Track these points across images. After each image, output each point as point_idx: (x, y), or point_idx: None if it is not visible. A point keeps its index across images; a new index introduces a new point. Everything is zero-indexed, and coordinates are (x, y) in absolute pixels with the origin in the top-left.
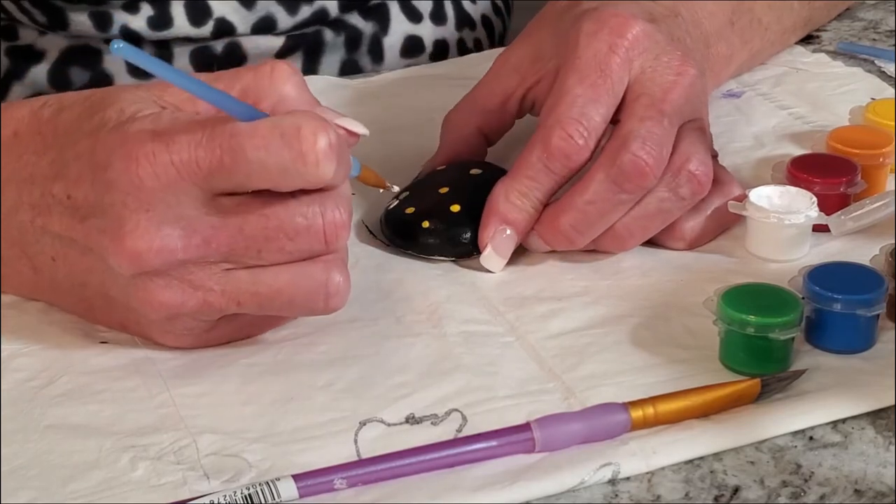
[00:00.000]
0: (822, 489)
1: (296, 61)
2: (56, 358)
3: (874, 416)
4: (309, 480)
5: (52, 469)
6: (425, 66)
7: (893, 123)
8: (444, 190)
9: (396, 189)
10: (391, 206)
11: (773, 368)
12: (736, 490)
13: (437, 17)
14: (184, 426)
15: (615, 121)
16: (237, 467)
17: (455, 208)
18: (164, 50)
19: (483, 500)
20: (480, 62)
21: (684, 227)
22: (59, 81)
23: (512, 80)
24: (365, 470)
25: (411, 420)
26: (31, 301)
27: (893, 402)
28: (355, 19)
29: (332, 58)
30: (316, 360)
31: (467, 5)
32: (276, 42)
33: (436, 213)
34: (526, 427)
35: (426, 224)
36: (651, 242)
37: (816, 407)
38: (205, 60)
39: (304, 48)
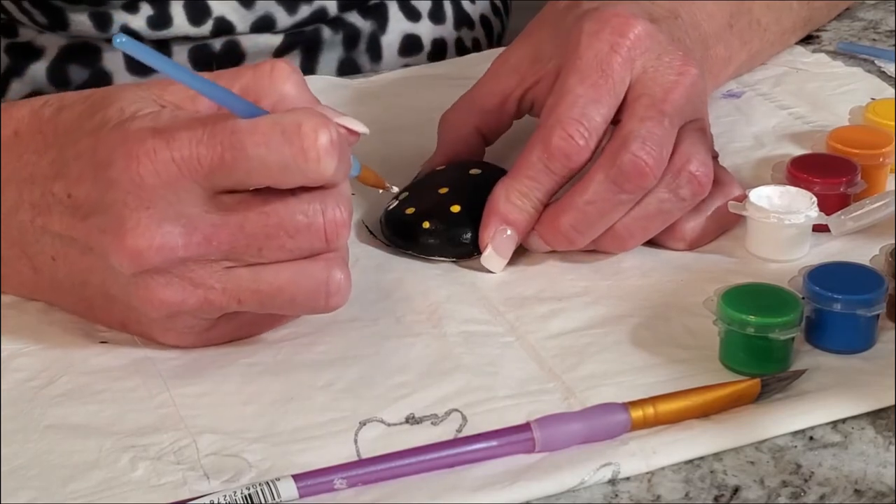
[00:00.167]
0: (822, 489)
1: (294, 59)
2: (56, 358)
3: (874, 416)
4: (309, 480)
5: (52, 469)
6: (425, 66)
7: (893, 123)
8: (443, 190)
9: (396, 190)
10: (391, 207)
11: (773, 368)
12: (736, 490)
13: (436, 16)
14: (184, 426)
15: (616, 121)
16: (237, 467)
17: (455, 209)
18: (162, 48)
19: (483, 500)
20: (480, 62)
21: (685, 227)
22: (59, 79)
23: (511, 81)
24: (365, 470)
25: (411, 420)
26: (31, 301)
27: (893, 402)
28: (354, 18)
29: (331, 56)
30: (316, 359)
31: (466, 5)
32: (275, 40)
33: (436, 214)
34: (526, 427)
35: (426, 225)
36: (651, 243)
37: (816, 407)
38: (203, 58)
39: (303, 46)
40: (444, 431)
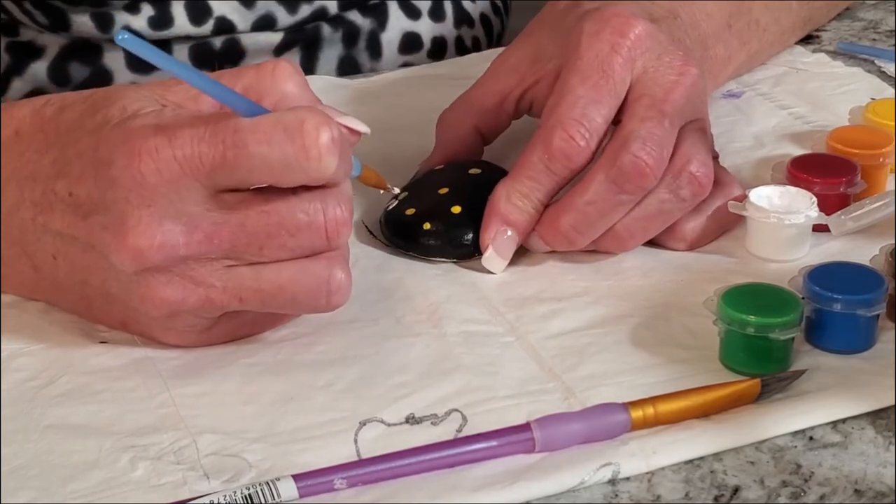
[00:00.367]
0: (822, 489)
1: (294, 57)
2: (56, 358)
3: (874, 416)
4: (309, 480)
5: (52, 469)
6: (426, 66)
7: (893, 123)
8: (443, 191)
9: (397, 191)
10: (390, 207)
11: (773, 368)
12: (736, 490)
13: (436, 14)
14: (184, 426)
15: (616, 121)
16: (237, 467)
17: (456, 209)
18: (163, 47)
19: (483, 500)
20: (480, 62)
21: (685, 227)
22: (59, 77)
23: (510, 80)
24: (365, 470)
25: (411, 420)
26: (31, 301)
27: (893, 402)
28: (354, 16)
29: (330, 53)
30: (316, 360)
31: (466, 4)
32: (275, 38)
33: (436, 215)
34: (526, 427)
35: (427, 226)
36: (652, 243)
37: (816, 407)
38: (204, 56)
39: (303, 43)
40: (444, 431)
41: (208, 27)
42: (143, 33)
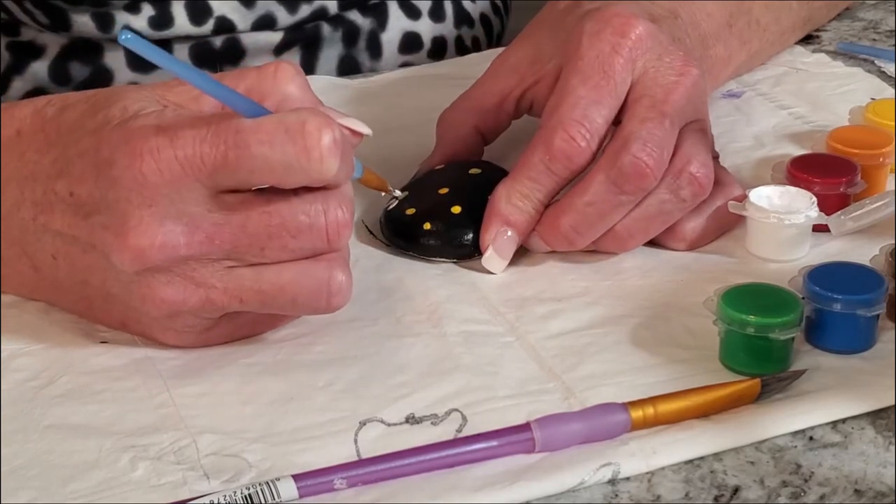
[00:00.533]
0: (822, 489)
1: (293, 56)
2: (56, 358)
3: (874, 416)
4: (309, 480)
5: (52, 469)
6: (426, 66)
7: (893, 123)
8: (443, 191)
9: (398, 193)
10: (391, 207)
11: (773, 368)
12: (736, 490)
13: (436, 14)
14: (184, 426)
15: (617, 121)
16: (237, 467)
17: (456, 209)
18: (163, 47)
19: (483, 500)
20: (480, 62)
21: (685, 228)
22: (60, 76)
23: (510, 80)
24: (365, 470)
25: (411, 420)
26: (31, 301)
27: (893, 402)
28: (354, 16)
29: (330, 53)
30: (316, 360)
31: (466, 4)
32: (275, 37)
33: (436, 215)
34: (526, 427)
35: (427, 226)
36: (652, 243)
37: (816, 407)
38: (204, 55)
39: (302, 43)
40: (444, 431)
41: (208, 27)
42: (143, 33)
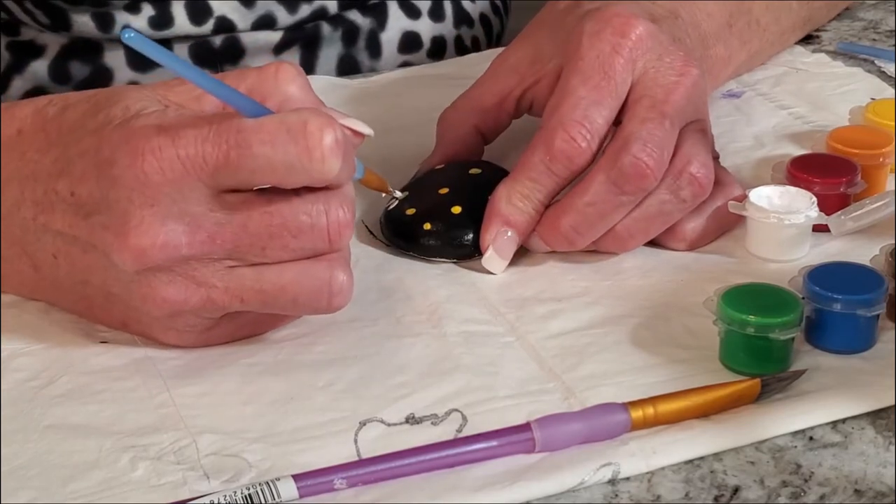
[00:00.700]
0: (822, 489)
1: (293, 56)
2: (56, 358)
3: (874, 416)
4: (309, 480)
5: (52, 469)
6: (426, 66)
7: (893, 123)
8: (444, 191)
9: (399, 194)
10: (391, 207)
11: (773, 368)
12: (736, 490)
13: (436, 14)
14: (184, 426)
15: (617, 121)
16: (237, 467)
17: (456, 210)
18: (163, 46)
19: (483, 500)
20: (480, 62)
21: (685, 228)
22: (60, 76)
23: (510, 80)
24: (365, 470)
25: (411, 420)
26: (31, 301)
27: (893, 402)
28: (354, 15)
29: (330, 52)
30: (316, 360)
31: (466, 4)
32: (274, 37)
33: (437, 215)
34: (526, 427)
35: (427, 226)
36: (652, 243)
37: (816, 407)
38: (204, 55)
39: (302, 42)
40: (444, 431)
41: (208, 27)
42: (143, 33)
